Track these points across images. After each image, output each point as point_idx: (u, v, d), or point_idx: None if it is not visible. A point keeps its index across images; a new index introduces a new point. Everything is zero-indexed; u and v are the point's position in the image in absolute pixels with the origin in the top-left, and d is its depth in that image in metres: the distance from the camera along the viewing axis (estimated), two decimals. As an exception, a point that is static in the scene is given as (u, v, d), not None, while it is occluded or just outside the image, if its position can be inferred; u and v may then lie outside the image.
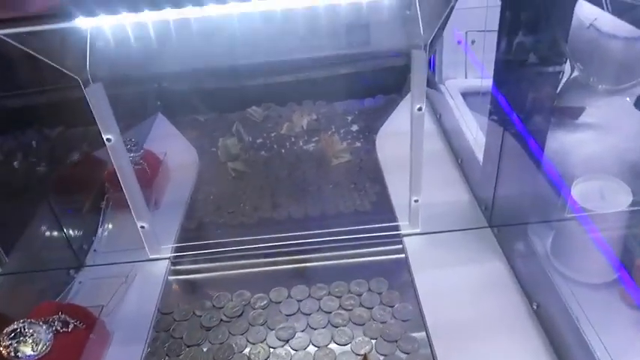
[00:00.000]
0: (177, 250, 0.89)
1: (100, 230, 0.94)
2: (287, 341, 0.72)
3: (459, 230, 0.87)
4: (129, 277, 0.83)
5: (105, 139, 0.73)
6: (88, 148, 1.00)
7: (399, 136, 1.14)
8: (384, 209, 0.95)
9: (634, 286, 0.71)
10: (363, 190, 1.00)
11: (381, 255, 0.86)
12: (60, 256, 0.87)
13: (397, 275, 0.81)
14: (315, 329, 0.74)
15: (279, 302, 0.78)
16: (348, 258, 0.86)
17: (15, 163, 0.77)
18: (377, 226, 0.89)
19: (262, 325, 0.75)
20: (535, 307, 0.72)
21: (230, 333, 0.74)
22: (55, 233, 0.86)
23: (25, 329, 0.63)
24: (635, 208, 0.69)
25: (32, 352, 0.62)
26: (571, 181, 0.74)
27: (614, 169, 0.72)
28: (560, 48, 0.67)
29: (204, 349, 0.72)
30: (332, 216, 0.94)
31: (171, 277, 0.85)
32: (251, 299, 0.79)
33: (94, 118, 0.71)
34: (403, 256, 0.85)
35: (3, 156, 0.81)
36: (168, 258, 0.88)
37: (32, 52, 0.59)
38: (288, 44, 0.69)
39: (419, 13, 0.68)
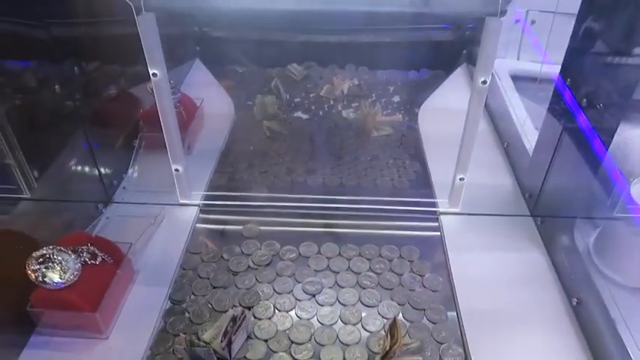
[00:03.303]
0: (208, 198, 0.87)
1: (130, 169, 0.92)
2: (314, 295, 0.71)
3: (499, 215, 0.84)
4: (157, 219, 0.81)
5: (151, 74, 0.70)
6: (126, 84, 0.97)
7: (442, 112, 1.10)
8: (422, 185, 0.91)
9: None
10: (402, 165, 0.96)
11: (415, 230, 0.83)
12: (89, 189, 0.85)
13: (431, 253, 0.79)
14: (342, 287, 0.72)
15: (308, 257, 0.77)
16: (382, 229, 0.83)
17: (55, 88, 0.74)
18: (414, 200, 0.86)
19: (290, 276, 0.74)
20: (575, 304, 0.69)
21: (257, 280, 0.73)
22: (87, 165, 0.84)
23: (53, 256, 0.62)
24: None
25: (59, 280, 0.61)
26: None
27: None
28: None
29: (230, 292, 0.72)
30: (368, 187, 0.91)
31: (199, 225, 0.83)
32: (280, 250, 0.78)
33: (136, 54, 0.68)
34: (439, 234, 0.82)
35: (42, 82, 0.79)
36: (198, 205, 0.86)
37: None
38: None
39: (499, -24, 0.63)
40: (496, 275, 0.74)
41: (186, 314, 0.69)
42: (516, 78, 1.20)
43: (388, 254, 0.78)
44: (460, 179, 0.80)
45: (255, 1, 0.66)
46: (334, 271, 0.75)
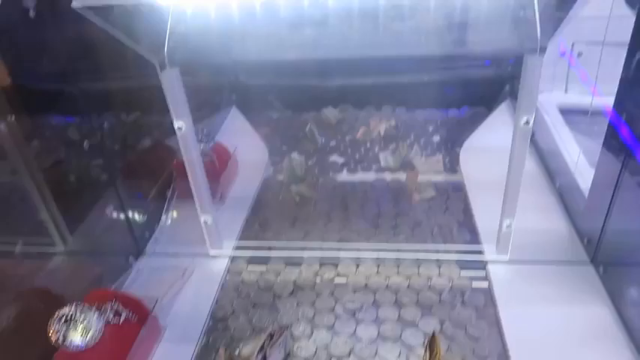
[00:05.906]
0: (239, 248, 0.84)
1: (163, 219, 0.91)
2: (353, 314, 0.72)
3: (554, 263, 0.76)
4: (187, 272, 0.79)
5: (176, 127, 0.69)
6: (160, 135, 0.98)
7: (486, 152, 1.04)
8: (466, 230, 0.84)
9: None
10: (449, 233, 0.85)
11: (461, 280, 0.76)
12: (121, 241, 0.84)
13: (479, 308, 0.71)
14: (381, 306, 0.73)
15: (347, 276, 0.78)
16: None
17: (85, 143, 0.76)
18: (457, 245, 0.80)
19: (330, 296, 0.75)
20: (650, 368, 0.60)
21: (297, 300, 0.75)
22: (120, 218, 0.83)
23: (77, 314, 0.60)
24: None
25: (80, 342, 0.58)
26: None
27: None
28: None
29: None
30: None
31: (230, 277, 0.80)
32: (319, 271, 0.80)
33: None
34: (487, 285, 0.75)
35: (76, 137, 0.80)
36: (229, 256, 0.83)
37: (111, 30, 0.55)
38: (383, 39, 0.61)
39: (537, 13, 0.58)
40: (554, 334, 0.66)
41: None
42: (565, 111, 1.13)
43: (427, 272, 0.77)
44: (507, 226, 0.73)
45: (287, 51, 0.65)
46: (372, 290, 0.75)
